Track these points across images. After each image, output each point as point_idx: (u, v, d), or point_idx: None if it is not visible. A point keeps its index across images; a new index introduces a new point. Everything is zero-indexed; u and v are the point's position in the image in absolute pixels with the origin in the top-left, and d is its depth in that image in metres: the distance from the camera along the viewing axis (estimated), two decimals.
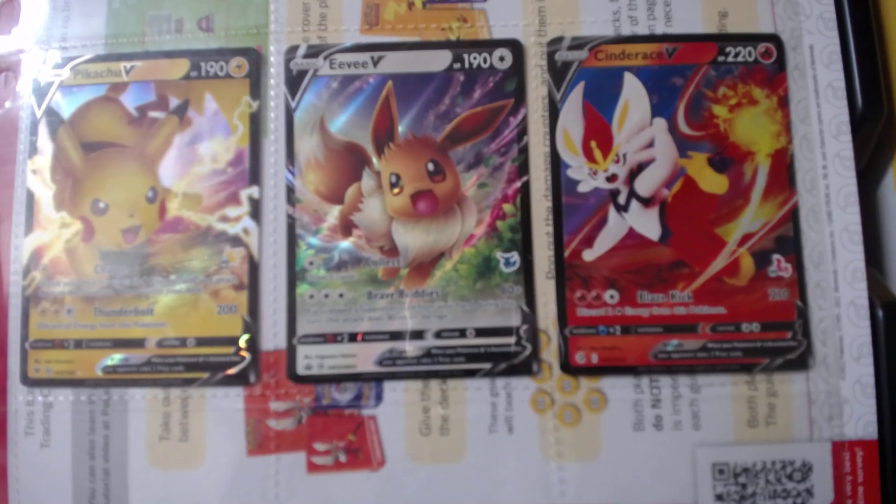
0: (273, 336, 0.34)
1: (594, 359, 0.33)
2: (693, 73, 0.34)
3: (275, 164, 0.35)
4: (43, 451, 0.33)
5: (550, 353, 0.33)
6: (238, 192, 0.35)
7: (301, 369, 0.33)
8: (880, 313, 0.32)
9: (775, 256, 0.33)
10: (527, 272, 0.33)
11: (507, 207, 0.34)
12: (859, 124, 0.34)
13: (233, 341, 0.34)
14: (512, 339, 0.33)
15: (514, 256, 0.33)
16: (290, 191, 0.34)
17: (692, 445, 0.32)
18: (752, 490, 0.32)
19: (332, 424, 0.33)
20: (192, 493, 0.33)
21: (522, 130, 0.34)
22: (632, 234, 0.33)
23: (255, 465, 0.33)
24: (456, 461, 0.32)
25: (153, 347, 0.34)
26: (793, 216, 0.33)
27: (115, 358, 0.34)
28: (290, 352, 0.33)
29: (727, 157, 0.34)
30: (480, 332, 0.33)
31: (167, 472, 0.33)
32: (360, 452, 0.33)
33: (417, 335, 0.33)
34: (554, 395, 0.33)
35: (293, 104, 0.35)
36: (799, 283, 0.33)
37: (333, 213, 0.34)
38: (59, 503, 0.33)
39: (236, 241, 0.34)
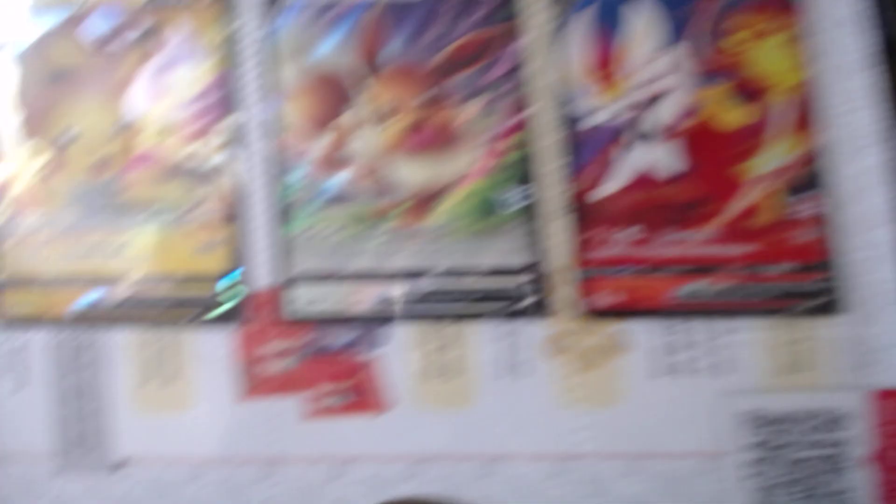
0: (264, 274, 0.31)
1: (613, 301, 0.31)
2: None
3: (255, 92, 0.32)
4: (16, 396, 0.31)
5: (565, 294, 0.31)
6: (215, 122, 0.32)
7: (295, 309, 0.31)
8: None
9: (802, 195, 0.31)
10: (536, 210, 0.31)
11: (512, 140, 0.31)
12: (890, 53, 0.32)
13: (220, 279, 0.31)
14: (524, 280, 0.31)
15: (522, 193, 0.31)
16: (273, 121, 0.32)
17: (716, 393, 0.30)
18: (780, 441, 0.30)
19: (331, 367, 0.31)
20: (180, 439, 0.31)
21: (526, 58, 0.32)
22: (647, 169, 0.31)
23: (248, 410, 0.31)
24: (464, 406, 0.31)
25: (133, 285, 0.31)
26: (819, 152, 0.31)
27: (92, 296, 0.31)
28: (283, 291, 0.31)
29: (746, 90, 0.31)
30: (489, 272, 0.31)
31: (152, 417, 0.31)
32: (361, 396, 0.31)
33: (420, 275, 0.31)
34: (569, 339, 0.31)
35: (271, 29, 0.32)
36: (828, 222, 0.31)
37: (322, 146, 0.31)
38: (34, 450, 0.31)
39: (215, 174, 0.32)
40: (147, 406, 0.31)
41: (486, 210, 0.31)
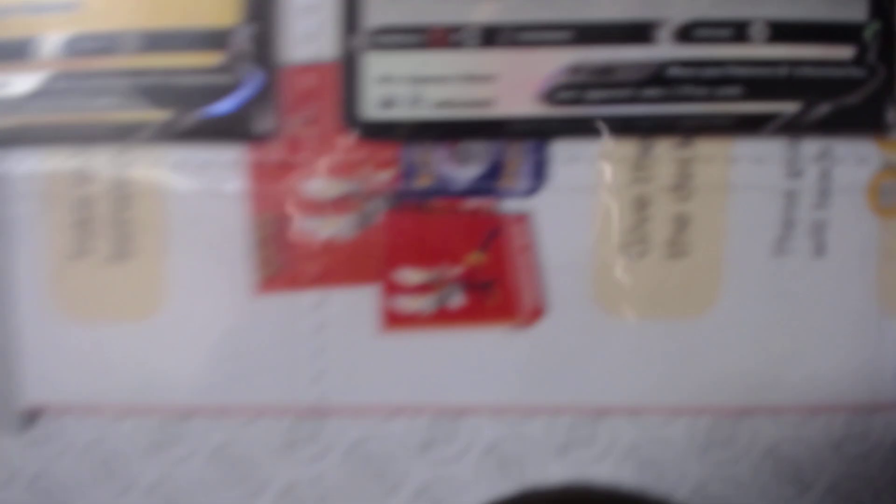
0: (308, 35, 0.16)
1: None
2: None
3: None
4: None
5: None
6: None
7: (373, 107, 0.16)
8: None
9: None
10: None
11: None
12: None
13: (221, 39, 0.16)
14: (847, 53, 0.16)
15: None
16: None
17: None
18: None
19: (438, 230, 0.16)
20: (142, 362, 0.17)
21: None
22: None
23: (273, 311, 0.16)
24: (698, 312, 0.16)
25: (59, 58, 0.17)
26: None
27: None
28: (349, 66, 0.16)
29: None
30: (778, 33, 0.16)
31: (90, 322, 0.17)
32: (493, 290, 0.16)
33: (639, 33, 0.16)
34: None
35: None
36: None
37: None
38: None
39: None
40: (78, 305, 0.17)
41: None
